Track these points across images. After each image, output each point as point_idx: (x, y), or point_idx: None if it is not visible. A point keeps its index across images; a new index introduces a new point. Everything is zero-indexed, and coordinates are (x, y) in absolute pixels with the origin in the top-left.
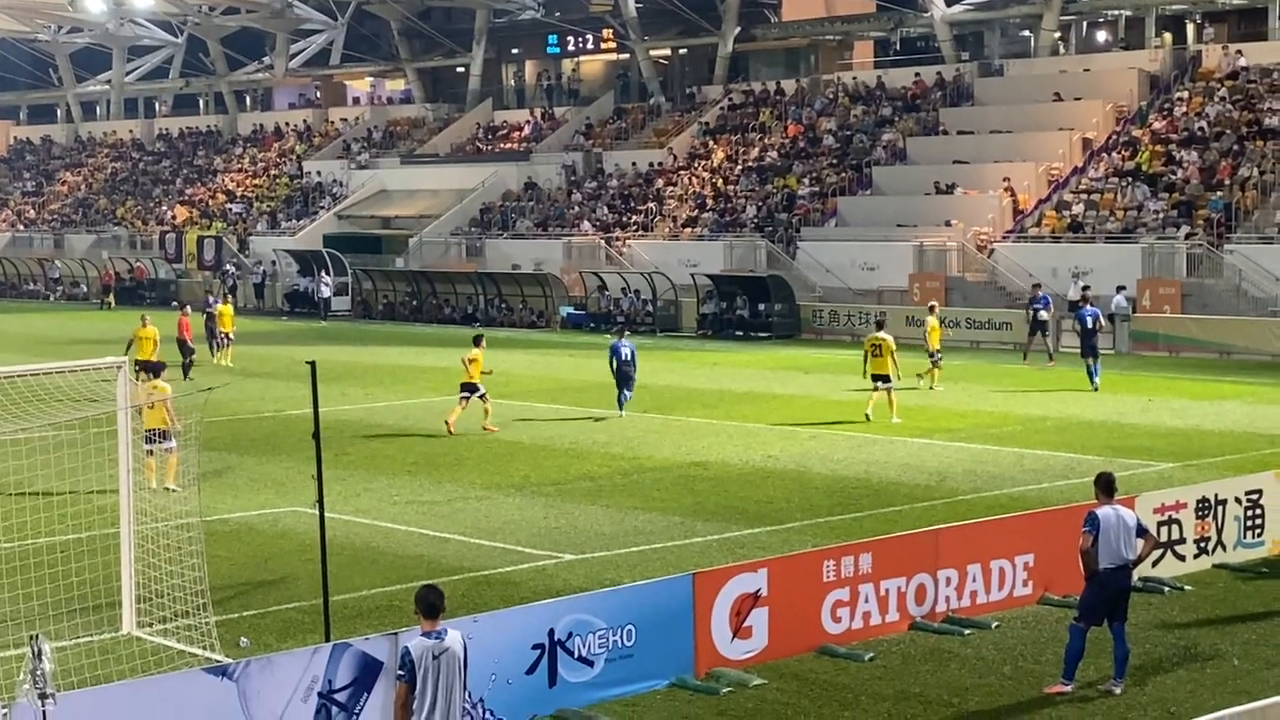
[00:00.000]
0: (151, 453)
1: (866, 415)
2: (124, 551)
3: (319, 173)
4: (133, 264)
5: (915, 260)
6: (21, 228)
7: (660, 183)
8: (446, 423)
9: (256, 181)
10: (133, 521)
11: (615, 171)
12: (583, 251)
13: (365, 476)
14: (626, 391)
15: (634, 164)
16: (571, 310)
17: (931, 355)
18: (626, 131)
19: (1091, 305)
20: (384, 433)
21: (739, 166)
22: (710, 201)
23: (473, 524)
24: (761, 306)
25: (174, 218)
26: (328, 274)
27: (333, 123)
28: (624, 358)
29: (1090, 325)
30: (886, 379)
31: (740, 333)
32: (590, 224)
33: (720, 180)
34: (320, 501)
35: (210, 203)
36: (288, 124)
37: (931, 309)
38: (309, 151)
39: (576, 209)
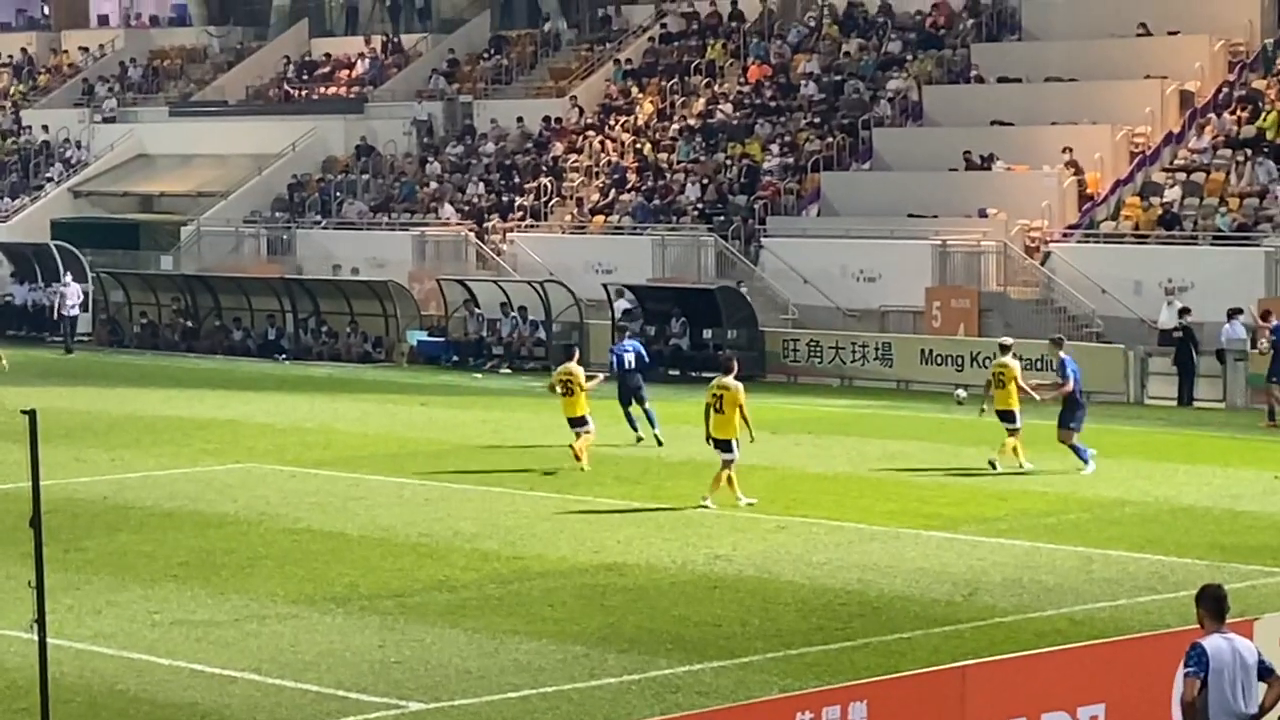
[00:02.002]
0: None
1: (704, 500)
2: None
3: (45, 127)
4: None
5: (935, 267)
6: None
7: (559, 148)
8: (580, 468)
9: None
10: None
11: (492, 131)
12: (443, 249)
13: (110, 584)
14: (645, 410)
15: (520, 120)
16: (424, 337)
17: (1005, 418)
18: (509, 72)
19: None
20: (140, 518)
21: (675, 126)
22: (633, 177)
23: (272, 656)
24: (708, 333)
25: None
26: (73, 278)
27: (67, 53)
28: (625, 366)
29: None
30: (726, 446)
31: (675, 371)
32: (454, 208)
33: (648, 146)
34: (41, 622)
35: None
36: None
37: (1006, 348)
38: (31, 95)
39: (434, 186)
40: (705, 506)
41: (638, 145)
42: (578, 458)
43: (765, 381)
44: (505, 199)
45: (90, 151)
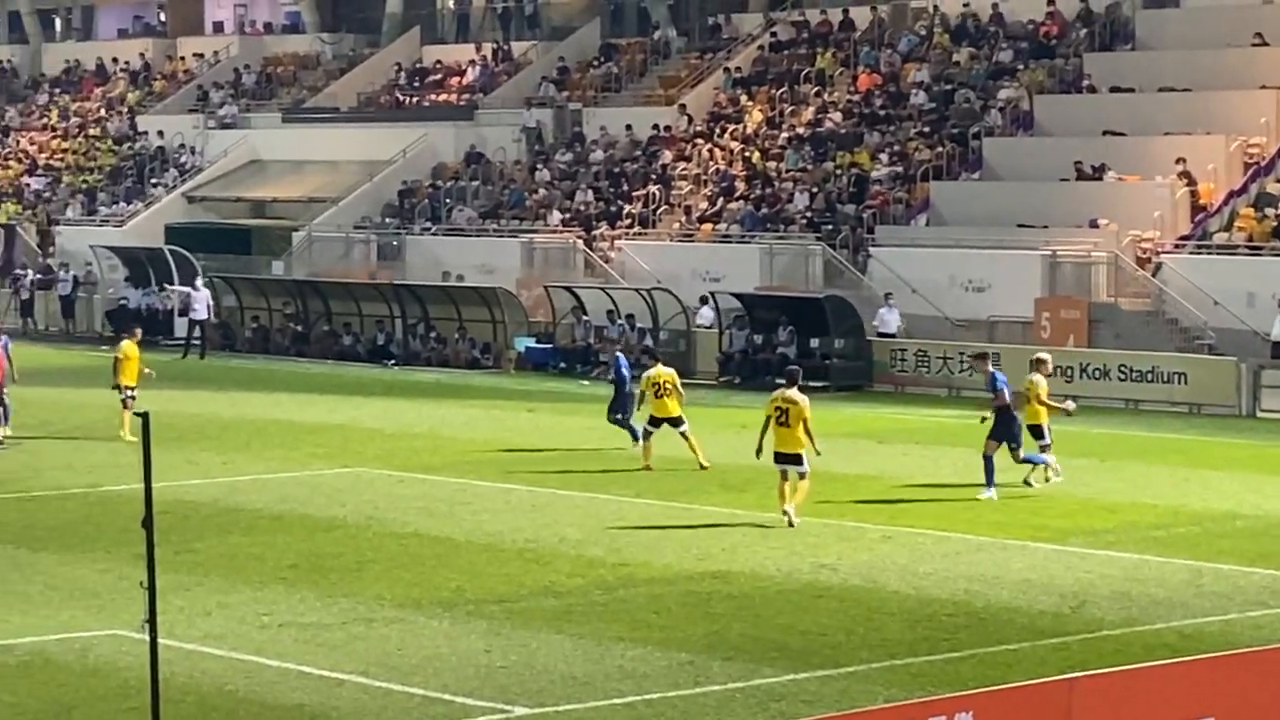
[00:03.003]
0: None
1: (787, 518)
2: None
3: (161, 133)
4: None
5: (1045, 278)
6: None
7: (668, 156)
8: (703, 463)
9: (68, 145)
10: None
11: (601, 138)
12: (551, 256)
13: (221, 585)
14: (621, 423)
15: (629, 128)
16: (532, 343)
17: (1033, 433)
18: (619, 80)
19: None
20: (250, 521)
21: (784, 134)
22: (741, 186)
23: (379, 659)
24: (815, 343)
25: None
26: (203, 282)
27: (183, 59)
28: (623, 380)
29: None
30: (798, 460)
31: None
32: (563, 215)
33: (757, 155)
34: (152, 622)
35: None
36: (116, 60)
37: (1039, 363)
38: (147, 101)
39: (542, 193)
40: (786, 517)
41: (746, 154)
42: (647, 464)
43: (872, 391)
44: (613, 206)
45: (204, 157)
